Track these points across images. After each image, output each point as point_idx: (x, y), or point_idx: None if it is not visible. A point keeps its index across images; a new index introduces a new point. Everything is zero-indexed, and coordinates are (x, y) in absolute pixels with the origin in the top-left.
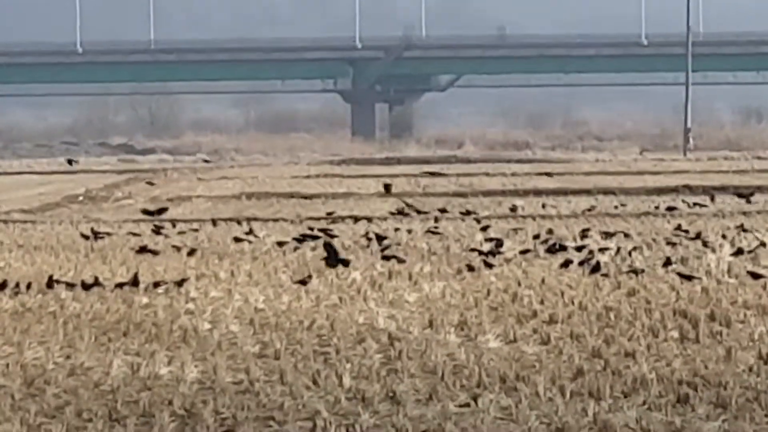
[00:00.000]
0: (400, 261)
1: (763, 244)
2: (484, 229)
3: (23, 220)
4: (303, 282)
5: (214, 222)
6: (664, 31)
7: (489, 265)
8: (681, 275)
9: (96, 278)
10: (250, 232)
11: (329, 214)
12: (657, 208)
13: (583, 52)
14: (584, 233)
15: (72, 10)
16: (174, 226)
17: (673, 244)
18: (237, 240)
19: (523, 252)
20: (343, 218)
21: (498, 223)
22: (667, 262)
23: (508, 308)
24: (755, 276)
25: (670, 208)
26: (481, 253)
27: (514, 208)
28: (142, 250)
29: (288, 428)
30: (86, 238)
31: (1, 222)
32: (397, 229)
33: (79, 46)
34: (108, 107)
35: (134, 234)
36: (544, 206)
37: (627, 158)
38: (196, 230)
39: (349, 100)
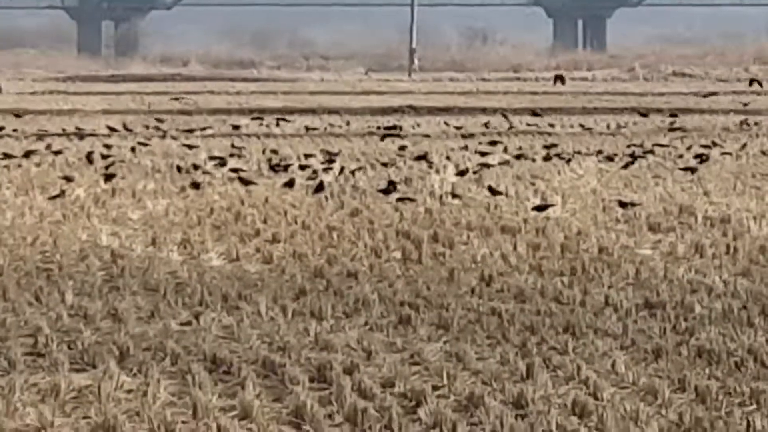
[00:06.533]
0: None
1: (486, 165)
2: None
3: None
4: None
5: None
6: None
7: (198, 185)
8: (398, 199)
9: None
10: None
11: (43, 129)
12: (379, 128)
13: None
14: (308, 153)
15: None
16: None
17: (397, 165)
18: None
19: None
20: (68, 135)
21: (222, 142)
22: (391, 184)
23: (231, 227)
24: (494, 192)
25: (393, 128)
26: (204, 171)
27: (237, 127)
28: None
29: (10, 344)
30: None
31: None
32: (121, 147)
33: None
34: None
35: None
36: (274, 124)
37: (352, 78)
38: None
39: (75, 17)
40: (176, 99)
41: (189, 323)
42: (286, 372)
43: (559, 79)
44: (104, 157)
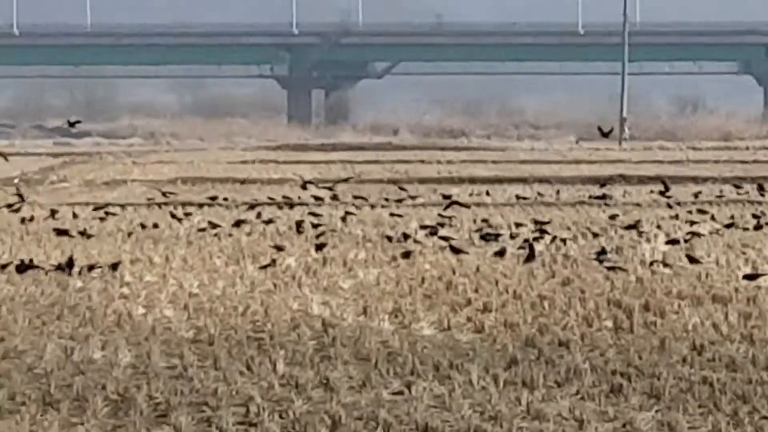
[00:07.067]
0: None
1: (696, 234)
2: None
3: None
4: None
5: (149, 206)
6: (601, 21)
7: (408, 254)
8: (609, 267)
9: (31, 261)
10: (186, 216)
11: (254, 198)
12: (590, 197)
13: (519, 41)
14: (519, 222)
15: None
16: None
17: (608, 234)
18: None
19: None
20: (279, 204)
21: (432, 211)
22: (602, 252)
23: (443, 296)
24: (693, 260)
25: (604, 197)
26: (414, 240)
27: (448, 196)
28: (62, 232)
29: (221, 414)
30: (22, 221)
31: None
32: (331, 216)
33: (15, 28)
34: (44, 90)
35: (75, 216)
36: (486, 193)
37: (563, 147)
38: (130, 214)
39: (285, 85)
40: (345, 180)
41: (401, 392)
42: None
43: (603, 133)
44: (314, 226)
